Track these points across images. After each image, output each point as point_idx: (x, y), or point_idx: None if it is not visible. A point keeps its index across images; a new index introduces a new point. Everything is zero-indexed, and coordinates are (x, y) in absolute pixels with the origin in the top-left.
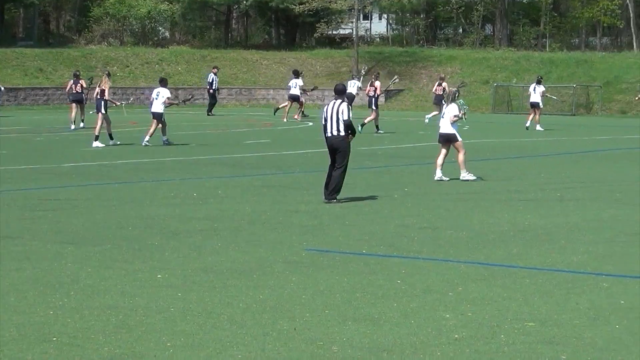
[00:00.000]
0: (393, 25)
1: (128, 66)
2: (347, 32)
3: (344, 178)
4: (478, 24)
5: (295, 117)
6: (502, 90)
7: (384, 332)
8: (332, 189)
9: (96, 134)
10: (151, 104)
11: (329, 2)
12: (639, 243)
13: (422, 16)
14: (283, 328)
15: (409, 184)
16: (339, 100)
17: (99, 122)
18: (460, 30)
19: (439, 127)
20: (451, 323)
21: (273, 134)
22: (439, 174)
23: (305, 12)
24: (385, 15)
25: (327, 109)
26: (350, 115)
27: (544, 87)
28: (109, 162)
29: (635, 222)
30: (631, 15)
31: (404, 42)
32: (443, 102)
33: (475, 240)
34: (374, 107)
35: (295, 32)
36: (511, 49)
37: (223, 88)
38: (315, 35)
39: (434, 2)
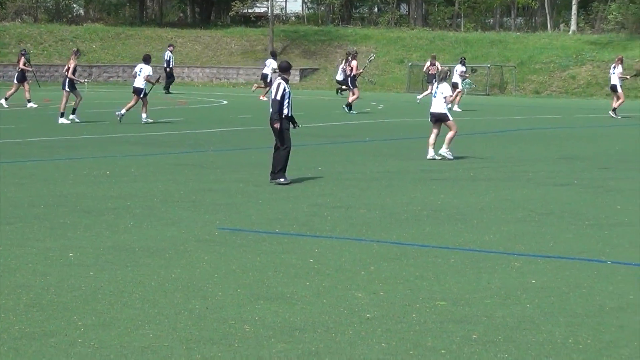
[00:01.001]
0: (308, 4)
1: (42, 43)
2: (262, 11)
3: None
4: (393, 3)
5: (262, 97)
6: (417, 70)
7: (296, 311)
8: (279, 169)
9: (61, 110)
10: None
11: None
12: (550, 223)
13: None
14: (195, 307)
15: (323, 163)
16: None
17: (64, 100)
18: (376, 10)
19: (430, 106)
20: (363, 302)
21: (187, 112)
22: (431, 153)
23: None
24: None
25: (287, 89)
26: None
27: (465, 67)
28: (23, 139)
29: (546, 201)
30: None
31: (320, 21)
32: (434, 81)
33: (388, 219)
34: (351, 87)
35: (210, 10)
36: (426, 29)
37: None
38: (230, 13)
39: None
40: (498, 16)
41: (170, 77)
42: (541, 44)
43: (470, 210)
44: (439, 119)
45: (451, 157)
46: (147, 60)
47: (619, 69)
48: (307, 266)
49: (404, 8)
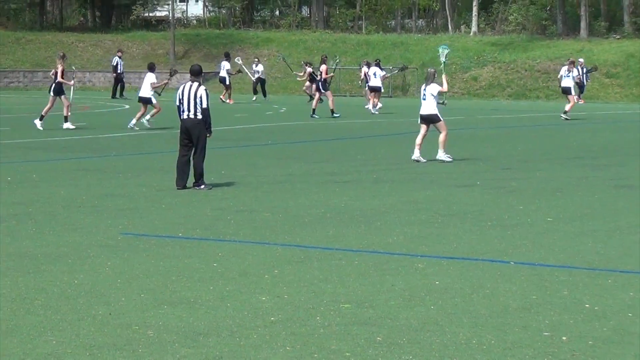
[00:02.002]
0: (210, 7)
1: None
2: (163, 15)
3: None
4: (294, 6)
5: (228, 100)
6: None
7: (200, 316)
8: (199, 176)
9: (65, 115)
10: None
11: None
12: (454, 224)
13: None
14: (98, 313)
15: (226, 167)
16: (196, 83)
17: (64, 104)
18: (277, 12)
19: (420, 107)
20: (267, 305)
21: (89, 117)
22: (416, 154)
23: None
24: None
25: (182, 91)
26: (209, 102)
27: (383, 70)
28: None
29: (450, 203)
30: None
31: (221, 24)
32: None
33: (291, 222)
34: (322, 90)
35: (111, 14)
36: (328, 31)
37: (38, 71)
38: (131, 17)
39: None
40: (399, 18)
41: (119, 82)
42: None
43: (374, 212)
44: (430, 120)
45: (450, 160)
46: (152, 68)
47: (575, 72)
48: (211, 270)
49: (305, 10)
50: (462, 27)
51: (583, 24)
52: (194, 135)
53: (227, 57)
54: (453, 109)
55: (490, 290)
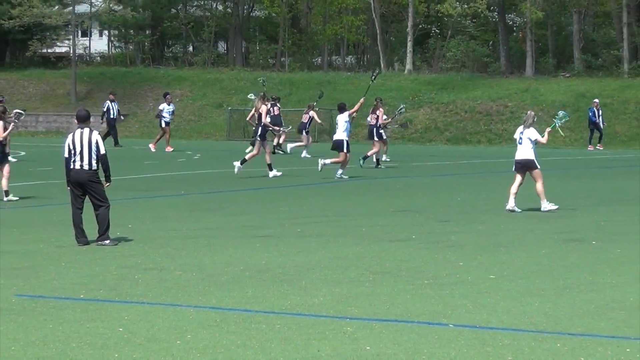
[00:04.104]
0: (115, 42)
1: None
2: (63, 51)
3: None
4: (210, 41)
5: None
6: (237, 115)
7: None
8: (104, 230)
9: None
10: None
11: (42, 17)
12: (386, 283)
13: (147, 32)
14: None
15: (133, 220)
16: (87, 129)
17: None
18: (191, 48)
19: (516, 153)
20: None
21: None
22: (511, 204)
23: (16, 27)
24: (106, 32)
25: (73, 139)
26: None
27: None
28: None
29: (382, 259)
30: (378, 31)
31: (128, 61)
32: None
33: (206, 281)
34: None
35: (5, 50)
36: (247, 69)
37: None
38: (27, 53)
39: (160, 17)
40: (326, 55)
41: (111, 129)
42: (374, 84)
43: (298, 270)
44: (526, 167)
45: (556, 208)
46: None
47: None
48: (116, 336)
49: (222, 46)
50: (396, 64)
51: (529, 61)
52: (89, 188)
53: (165, 96)
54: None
55: (427, 356)
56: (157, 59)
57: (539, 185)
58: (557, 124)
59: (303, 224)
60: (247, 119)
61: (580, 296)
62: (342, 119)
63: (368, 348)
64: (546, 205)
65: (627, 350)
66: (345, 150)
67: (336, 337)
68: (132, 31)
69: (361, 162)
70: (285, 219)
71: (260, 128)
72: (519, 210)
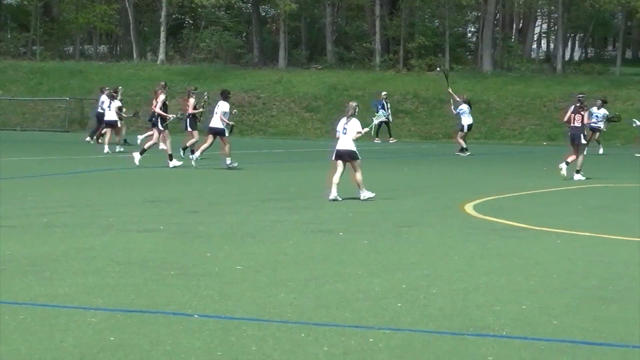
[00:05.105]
0: None
1: None
2: None
3: None
4: None
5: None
6: None
7: None
8: None
9: None
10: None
11: None
12: (133, 273)
13: None
14: None
15: None
16: None
17: None
18: None
19: (338, 143)
20: None
21: None
22: (334, 194)
23: None
24: None
25: None
26: None
27: (120, 102)
28: None
29: (129, 249)
30: (131, 21)
31: None
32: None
33: None
34: (189, 129)
35: None
36: None
37: None
38: None
39: None
40: (78, 44)
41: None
42: (126, 74)
43: (43, 261)
44: (348, 157)
45: (374, 195)
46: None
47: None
48: None
49: None
50: (149, 54)
51: (282, 53)
52: None
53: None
54: (133, 146)
55: (171, 347)
56: None
57: (359, 175)
58: (374, 122)
59: (49, 214)
60: (156, 109)
61: (326, 287)
62: (224, 106)
63: (112, 339)
64: (365, 194)
65: (370, 340)
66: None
67: (80, 328)
68: None
69: (181, 153)
70: (31, 208)
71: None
72: (341, 199)
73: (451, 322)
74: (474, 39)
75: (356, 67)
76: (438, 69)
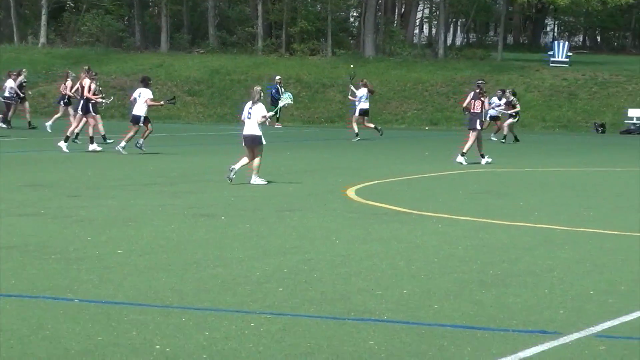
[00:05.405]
0: None
1: None
2: None
3: None
4: None
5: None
6: None
7: None
8: None
9: None
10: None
11: None
12: (13, 257)
13: None
14: None
15: None
16: None
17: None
18: None
19: (244, 128)
20: None
21: None
22: (255, 179)
23: None
24: None
25: None
26: None
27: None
28: None
29: (9, 234)
30: (11, 4)
31: None
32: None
33: None
34: (85, 113)
35: None
36: None
37: None
38: None
39: None
40: None
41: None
42: (7, 57)
43: None
44: (251, 142)
45: (265, 183)
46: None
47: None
48: None
49: None
50: (30, 38)
51: (164, 37)
52: None
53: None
54: (19, 129)
55: (51, 332)
56: None
57: (257, 161)
58: (279, 105)
59: None
60: (71, 91)
61: (207, 271)
62: (146, 93)
63: None
64: (256, 180)
65: (252, 324)
66: (141, 123)
67: None
68: None
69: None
70: None
71: (83, 102)
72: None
73: (333, 307)
74: (357, 24)
75: (238, 51)
76: (352, 65)
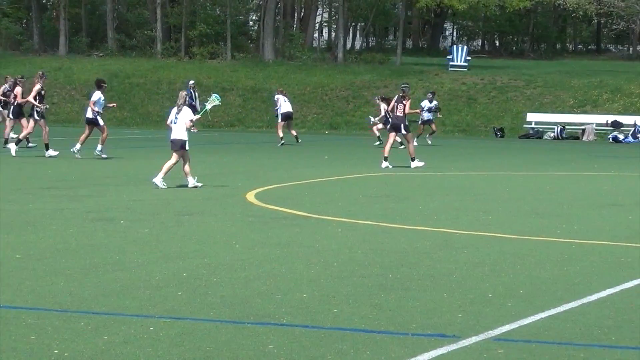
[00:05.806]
0: None
1: None
2: None
3: None
4: None
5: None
6: None
7: None
8: None
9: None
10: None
11: None
12: None
13: None
14: None
15: None
16: None
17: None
18: None
19: (172, 133)
20: None
21: None
22: (192, 182)
23: None
24: None
25: None
26: None
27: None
28: None
29: None
30: None
31: None
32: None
33: None
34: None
35: None
36: None
37: None
38: None
39: None
40: None
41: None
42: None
43: None
44: (178, 147)
45: (200, 185)
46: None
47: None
48: None
49: None
50: None
51: (62, 40)
52: None
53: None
54: None
55: None
56: None
57: (187, 167)
58: (207, 107)
59: None
60: (29, 98)
61: (106, 275)
62: (95, 96)
63: None
64: (192, 181)
65: (151, 328)
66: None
67: None
68: None
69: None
70: None
71: (15, 107)
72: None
73: (232, 311)
74: (256, 28)
75: (137, 55)
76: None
